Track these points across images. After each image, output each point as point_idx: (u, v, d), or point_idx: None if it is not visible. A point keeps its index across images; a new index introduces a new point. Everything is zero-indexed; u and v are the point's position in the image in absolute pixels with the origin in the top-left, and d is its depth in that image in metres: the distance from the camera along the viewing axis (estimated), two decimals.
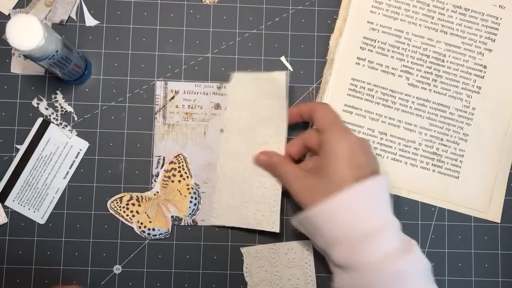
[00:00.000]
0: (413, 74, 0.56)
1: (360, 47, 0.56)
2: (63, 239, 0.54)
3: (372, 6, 0.56)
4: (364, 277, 0.41)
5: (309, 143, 0.49)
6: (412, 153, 0.55)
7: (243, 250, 0.54)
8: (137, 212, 0.54)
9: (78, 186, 0.55)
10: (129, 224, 0.54)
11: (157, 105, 0.55)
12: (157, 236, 0.54)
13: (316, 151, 0.48)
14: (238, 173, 0.53)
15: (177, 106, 0.55)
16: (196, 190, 0.55)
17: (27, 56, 0.46)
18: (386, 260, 0.41)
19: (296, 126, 0.54)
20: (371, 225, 0.42)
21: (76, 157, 0.55)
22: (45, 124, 0.55)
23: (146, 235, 0.54)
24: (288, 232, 0.55)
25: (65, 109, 0.55)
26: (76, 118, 0.55)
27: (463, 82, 0.56)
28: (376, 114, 0.56)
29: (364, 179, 0.43)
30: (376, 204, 0.44)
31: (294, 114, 0.51)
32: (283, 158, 0.50)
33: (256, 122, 0.53)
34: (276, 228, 0.51)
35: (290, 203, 0.55)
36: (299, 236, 0.54)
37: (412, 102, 0.55)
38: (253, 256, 0.54)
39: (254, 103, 0.53)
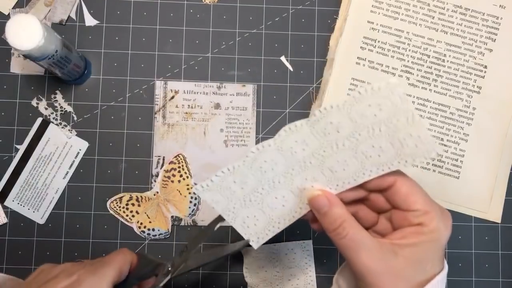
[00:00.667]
0: (413, 74, 0.56)
1: (360, 47, 0.56)
2: (63, 239, 0.54)
3: (372, 5, 0.56)
4: None
5: (375, 205, 0.38)
6: None
7: (243, 250, 0.54)
8: (137, 212, 0.54)
9: (78, 186, 0.55)
10: (129, 224, 0.54)
11: (157, 105, 0.55)
12: (157, 236, 0.54)
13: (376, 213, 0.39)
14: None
15: (177, 106, 0.55)
16: None
17: (26, 56, 0.46)
18: None
19: None
20: None
21: (76, 157, 0.55)
22: (45, 124, 0.55)
23: (146, 235, 0.54)
24: (288, 232, 0.54)
25: (64, 109, 0.55)
26: (75, 118, 0.55)
27: (463, 82, 0.55)
28: None
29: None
30: None
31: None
32: (349, 213, 0.36)
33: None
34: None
35: None
36: (299, 236, 0.54)
37: (412, 102, 0.55)
38: (253, 256, 0.54)
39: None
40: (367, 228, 0.38)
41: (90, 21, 0.56)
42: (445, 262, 0.37)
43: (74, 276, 0.37)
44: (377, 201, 0.38)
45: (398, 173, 0.37)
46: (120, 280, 0.40)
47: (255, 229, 0.41)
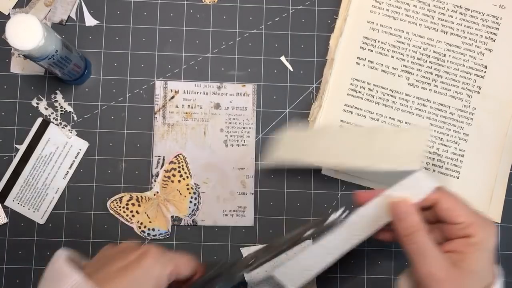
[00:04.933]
0: (413, 74, 0.56)
1: (360, 47, 0.56)
2: (63, 239, 0.54)
3: (372, 5, 0.56)
4: None
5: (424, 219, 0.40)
6: None
7: (243, 250, 0.54)
8: (137, 212, 0.54)
9: (78, 186, 0.55)
10: (129, 224, 0.54)
11: (157, 105, 0.55)
12: (157, 236, 0.54)
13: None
14: None
15: (177, 106, 0.55)
16: (196, 190, 0.55)
17: (27, 56, 0.46)
18: None
19: None
20: None
21: (76, 157, 0.55)
22: (45, 124, 0.55)
23: (146, 235, 0.54)
24: (288, 232, 0.54)
25: (64, 109, 0.55)
26: (76, 118, 0.55)
27: (463, 82, 0.56)
28: (376, 114, 0.55)
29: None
30: None
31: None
32: (422, 222, 0.39)
33: None
34: None
35: (288, 203, 0.55)
36: None
37: (412, 102, 0.55)
38: None
39: None
40: None
41: (90, 21, 0.56)
42: (500, 271, 0.39)
43: (142, 249, 0.38)
44: (425, 216, 0.40)
45: (441, 190, 0.40)
46: (176, 278, 0.39)
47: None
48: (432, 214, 0.40)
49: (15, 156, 0.54)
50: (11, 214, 0.54)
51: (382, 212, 0.41)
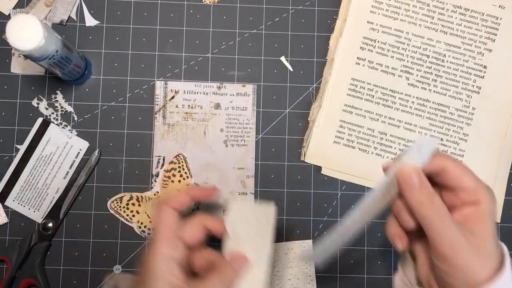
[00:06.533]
0: (413, 74, 0.56)
1: (360, 47, 0.56)
2: (63, 239, 0.54)
3: (372, 6, 0.56)
4: None
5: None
6: None
7: None
8: (137, 212, 0.54)
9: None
10: (129, 224, 0.54)
11: (157, 105, 0.56)
12: None
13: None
14: None
15: (177, 106, 0.55)
16: None
17: (27, 56, 0.46)
18: None
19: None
20: None
21: (76, 157, 0.55)
22: (45, 124, 0.55)
23: (146, 235, 0.54)
24: (288, 232, 0.55)
25: (65, 109, 0.55)
26: (76, 118, 0.55)
27: (463, 82, 0.56)
28: (376, 114, 0.56)
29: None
30: None
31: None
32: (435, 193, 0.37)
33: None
34: None
35: (288, 202, 0.55)
36: (299, 236, 0.54)
37: (412, 102, 0.55)
38: None
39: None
40: None
41: (90, 21, 0.56)
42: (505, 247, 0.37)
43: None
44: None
45: (443, 156, 0.38)
46: (186, 208, 0.43)
47: None
48: (434, 183, 0.38)
49: (15, 156, 0.54)
50: (12, 214, 0.54)
51: (391, 186, 0.38)
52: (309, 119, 0.56)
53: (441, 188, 0.38)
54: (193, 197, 0.45)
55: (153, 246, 0.41)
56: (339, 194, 0.55)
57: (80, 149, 0.55)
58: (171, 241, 0.41)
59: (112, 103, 0.56)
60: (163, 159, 0.55)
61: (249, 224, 0.46)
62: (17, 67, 0.56)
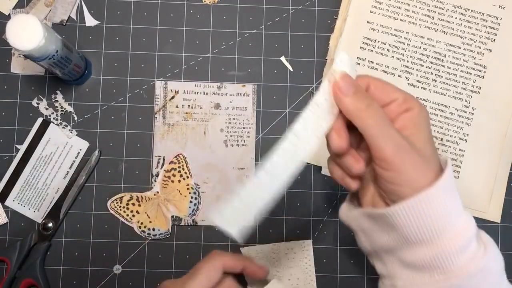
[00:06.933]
0: (413, 74, 0.56)
1: (360, 47, 0.56)
2: (63, 239, 0.54)
3: (372, 6, 0.56)
4: (451, 279, 0.35)
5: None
6: None
7: (243, 250, 0.54)
8: (137, 212, 0.54)
9: None
10: (129, 224, 0.54)
11: (157, 105, 0.56)
12: (157, 236, 0.54)
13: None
14: None
15: (177, 106, 0.55)
16: (196, 190, 0.55)
17: (27, 56, 0.46)
18: (472, 261, 0.35)
19: None
20: (462, 220, 0.36)
21: (76, 157, 0.55)
22: (45, 124, 0.55)
23: (146, 235, 0.54)
24: (288, 232, 0.55)
25: (65, 109, 0.55)
26: (76, 118, 0.55)
27: (463, 82, 0.56)
28: None
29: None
30: (457, 195, 0.36)
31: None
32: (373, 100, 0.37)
33: None
34: None
35: (288, 202, 0.55)
36: (299, 236, 0.54)
37: None
38: (253, 256, 0.54)
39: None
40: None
41: (90, 21, 0.56)
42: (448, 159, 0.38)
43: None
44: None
45: (364, 76, 0.38)
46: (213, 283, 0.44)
47: None
48: None
49: (15, 156, 0.54)
50: (12, 214, 0.54)
51: (326, 103, 0.36)
52: None
53: None
54: (245, 270, 0.47)
55: (187, 284, 0.42)
56: (339, 194, 0.55)
57: (80, 149, 0.55)
58: None
59: (112, 103, 0.56)
60: (163, 159, 0.55)
61: None
62: (17, 67, 0.56)
